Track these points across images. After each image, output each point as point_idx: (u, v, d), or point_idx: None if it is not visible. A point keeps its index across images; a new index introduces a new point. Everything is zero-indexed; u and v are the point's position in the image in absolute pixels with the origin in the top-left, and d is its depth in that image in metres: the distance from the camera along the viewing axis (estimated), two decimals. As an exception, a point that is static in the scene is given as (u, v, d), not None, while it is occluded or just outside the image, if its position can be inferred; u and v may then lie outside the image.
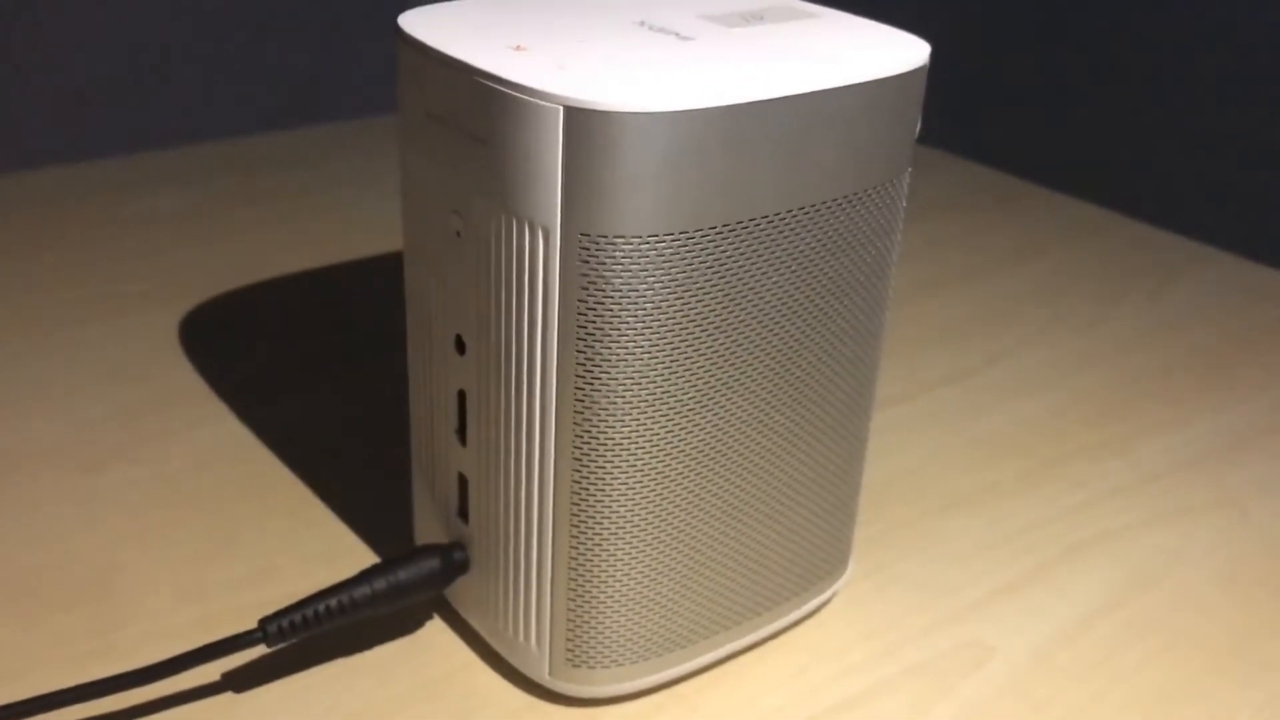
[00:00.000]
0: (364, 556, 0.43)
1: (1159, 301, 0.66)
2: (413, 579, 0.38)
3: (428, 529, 0.41)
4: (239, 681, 0.38)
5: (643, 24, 0.36)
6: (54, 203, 0.70)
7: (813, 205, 0.33)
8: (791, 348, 0.35)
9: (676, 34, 0.35)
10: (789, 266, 0.34)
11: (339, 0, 0.86)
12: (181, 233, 0.67)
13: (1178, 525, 0.48)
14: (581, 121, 0.30)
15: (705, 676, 0.39)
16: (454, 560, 0.38)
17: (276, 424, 0.51)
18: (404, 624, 0.40)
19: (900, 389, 0.57)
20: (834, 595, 0.43)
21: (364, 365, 0.55)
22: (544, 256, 0.32)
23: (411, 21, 0.35)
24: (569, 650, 0.36)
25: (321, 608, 0.36)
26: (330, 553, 0.43)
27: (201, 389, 0.53)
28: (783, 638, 0.41)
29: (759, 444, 0.36)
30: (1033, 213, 0.78)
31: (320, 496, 0.46)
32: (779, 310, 0.34)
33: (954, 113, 1.21)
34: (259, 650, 0.39)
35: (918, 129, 0.36)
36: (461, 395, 0.37)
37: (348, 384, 0.54)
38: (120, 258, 0.64)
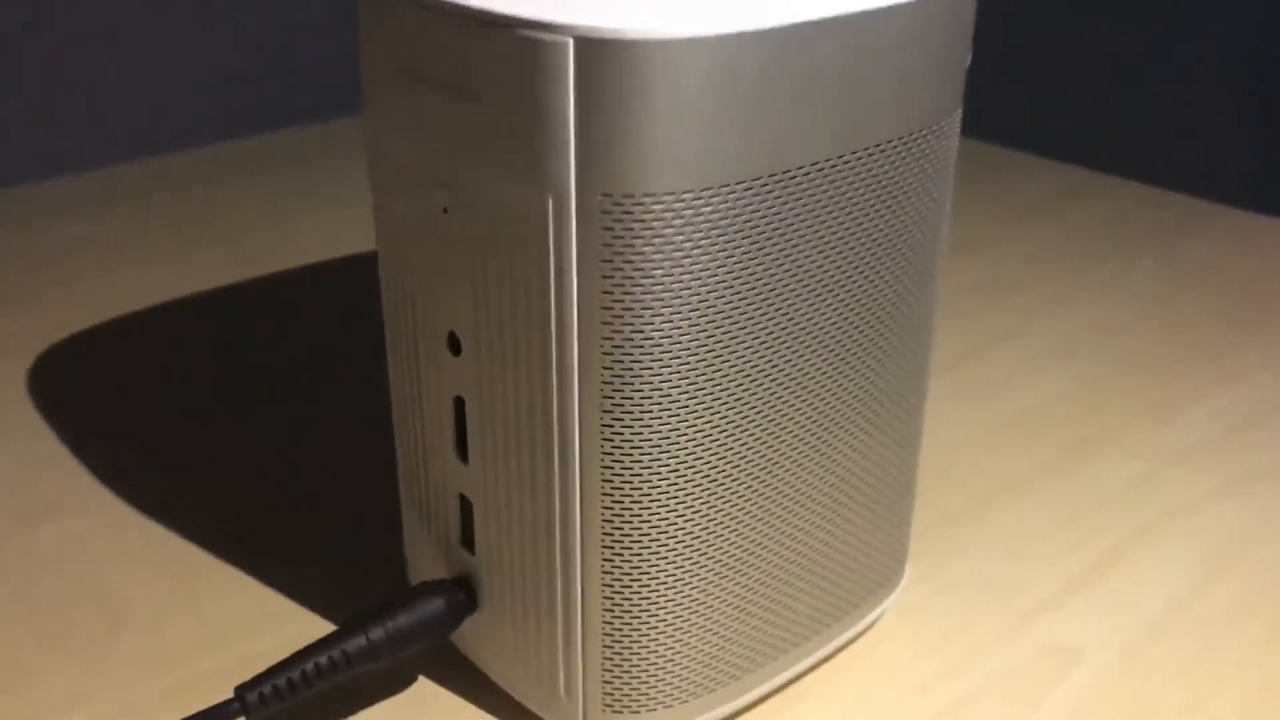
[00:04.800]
0: (346, 604, 0.38)
1: (1172, 260, 0.62)
2: (414, 624, 0.32)
3: (424, 565, 0.35)
4: (216, 763, 0.32)
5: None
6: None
7: (865, 149, 0.28)
8: (845, 318, 0.30)
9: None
10: (841, 222, 0.28)
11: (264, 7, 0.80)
12: (105, 259, 0.61)
13: (1251, 491, 0.43)
14: (598, 55, 0.24)
15: (761, 709, 0.34)
16: (460, 598, 0.33)
17: (227, 461, 0.45)
18: (402, 678, 0.35)
19: (919, 370, 0.52)
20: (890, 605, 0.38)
21: (322, 386, 0.50)
22: (556, 226, 0.26)
23: (372, -36, 0.29)
24: (606, 695, 0.31)
25: (309, 667, 0.31)
26: (307, 604, 0.38)
27: (137, 430, 0.47)
28: (841, 658, 0.36)
29: (813, 434, 0.30)
30: (1025, 181, 0.73)
31: (288, 540, 0.41)
32: (831, 275, 0.29)
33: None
34: (237, 723, 0.33)
35: (968, 61, 0.31)
36: (459, 403, 0.31)
37: (308, 408, 0.48)
38: (41, 289, 0.58)
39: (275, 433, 0.46)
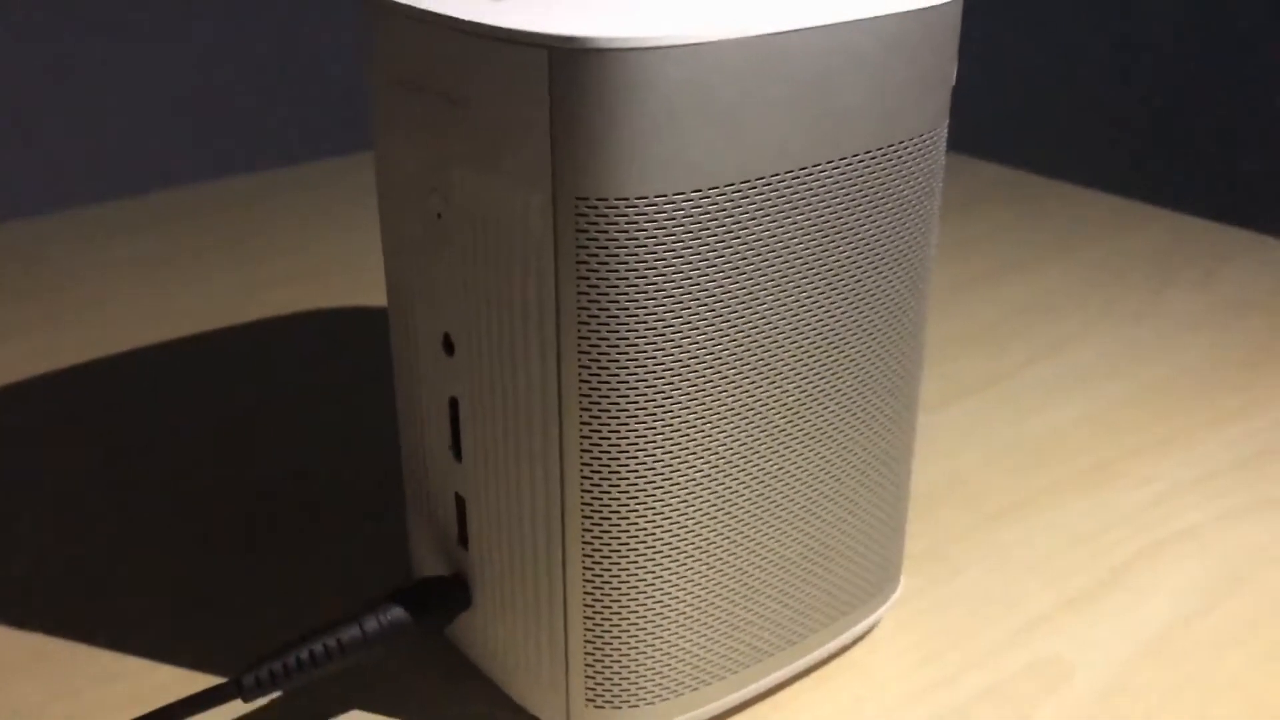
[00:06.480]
0: (352, 598, 0.39)
1: (1207, 290, 0.62)
2: (407, 618, 0.33)
3: (426, 562, 0.36)
4: (214, 745, 0.33)
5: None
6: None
7: (842, 158, 0.29)
8: (826, 324, 0.30)
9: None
10: (819, 229, 0.29)
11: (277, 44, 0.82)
12: (158, 277, 0.64)
13: (1259, 520, 0.43)
14: (570, 65, 0.26)
15: (747, 713, 0.34)
16: (454, 594, 0.34)
17: (239, 481, 0.46)
18: (397, 671, 0.36)
19: (938, 392, 0.52)
20: (884, 615, 0.38)
21: (341, 407, 0.51)
22: (537, 230, 0.27)
23: (376, -18, 0.31)
24: (590, 690, 0.32)
25: (304, 654, 0.32)
26: (317, 596, 0.39)
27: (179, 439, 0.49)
28: (832, 665, 0.36)
29: (797, 441, 0.31)
30: (1059, 209, 0.73)
31: (306, 542, 0.42)
32: (810, 281, 0.30)
33: (966, 114, 1.18)
34: (234, 708, 0.34)
35: (953, 76, 0.32)
36: (454, 403, 0.32)
37: (348, 415, 0.50)
38: (99, 305, 0.60)
39: (303, 439, 0.48)
